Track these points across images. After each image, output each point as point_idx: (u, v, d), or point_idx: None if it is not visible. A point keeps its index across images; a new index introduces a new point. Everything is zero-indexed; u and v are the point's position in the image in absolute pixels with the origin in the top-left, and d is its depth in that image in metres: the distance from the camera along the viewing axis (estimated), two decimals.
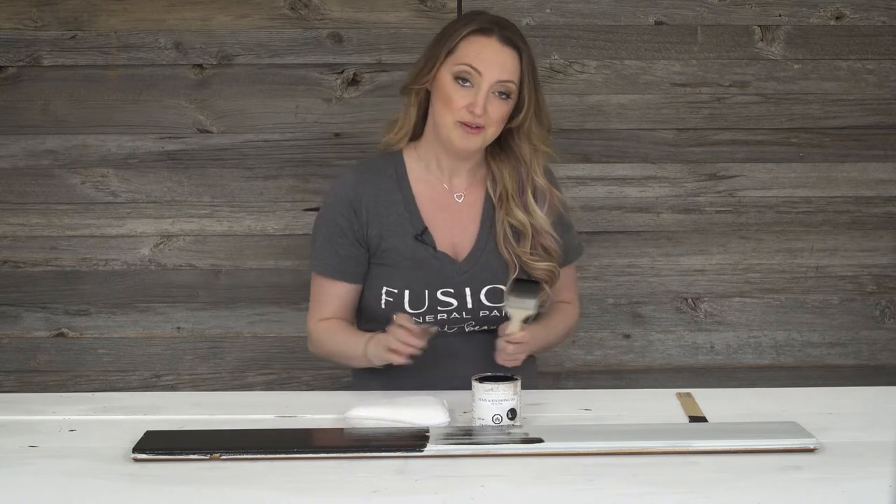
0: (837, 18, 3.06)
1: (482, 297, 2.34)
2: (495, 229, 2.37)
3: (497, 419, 1.97)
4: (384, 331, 2.25)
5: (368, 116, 3.05)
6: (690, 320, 3.14)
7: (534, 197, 2.37)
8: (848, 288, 3.14)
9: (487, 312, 2.35)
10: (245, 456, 1.87)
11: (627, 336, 3.14)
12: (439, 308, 2.33)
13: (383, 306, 2.35)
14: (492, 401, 1.97)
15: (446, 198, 2.40)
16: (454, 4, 3.02)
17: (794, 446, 1.89)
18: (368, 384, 2.40)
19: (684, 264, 3.13)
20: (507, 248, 2.35)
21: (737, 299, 3.14)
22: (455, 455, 1.87)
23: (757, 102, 3.08)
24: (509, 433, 1.93)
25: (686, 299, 3.13)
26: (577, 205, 3.09)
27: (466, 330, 2.36)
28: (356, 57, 3.04)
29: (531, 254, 2.35)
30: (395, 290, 2.33)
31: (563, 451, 1.88)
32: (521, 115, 2.32)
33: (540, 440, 1.90)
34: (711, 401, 2.17)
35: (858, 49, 3.07)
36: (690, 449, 1.88)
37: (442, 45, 2.31)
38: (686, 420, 2.07)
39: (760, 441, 1.90)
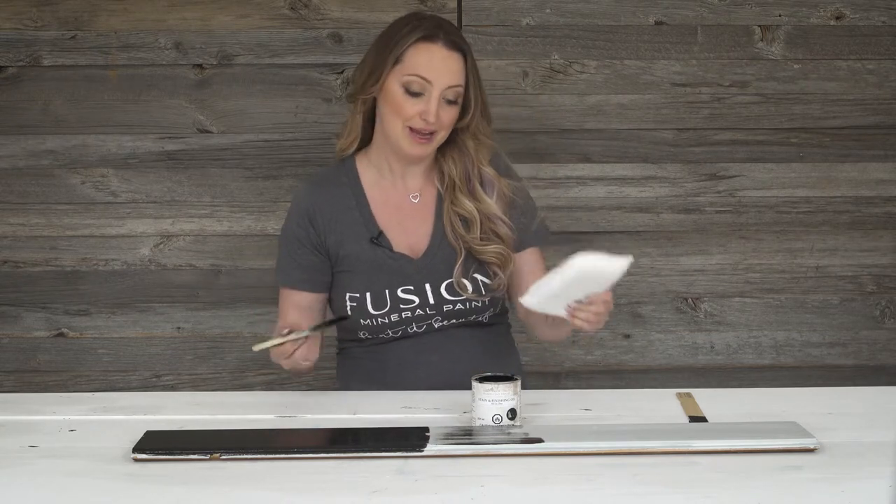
0: (837, 18, 3.06)
1: (442, 291, 2.35)
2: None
3: (497, 419, 1.97)
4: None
5: None
6: (690, 320, 3.14)
7: (482, 187, 2.37)
8: (848, 288, 3.14)
9: (451, 306, 2.36)
10: (245, 456, 1.87)
11: (627, 336, 3.14)
12: (402, 306, 2.34)
13: (349, 312, 2.36)
14: (492, 401, 1.97)
15: (401, 199, 2.41)
16: (454, 4, 3.02)
17: (794, 446, 1.89)
18: (352, 385, 2.42)
19: (684, 264, 3.13)
20: (454, 237, 2.36)
21: (737, 299, 3.14)
22: (455, 455, 1.87)
23: (757, 102, 3.08)
24: (509, 433, 1.94)
25: (686, 299, 3.13)
26: (576, 204, 3.09)
27: (436, 326, 2.37)
28: (356, 57, 3.03)
29: (480, 239, 2.35)
30: (357, 294, 2.35)
31: (563, 451, 1.88)
32: (469, 116, 2.34)
33: (540, 440, 1.90)
34: (711, 401, 2.17)
35: (858, 49, 3.07)
36: (690, 449, 1.88)
37: (387, 54, 2.31)
38: (686, 420, 2.07)
39: (760, 441, 1.90)
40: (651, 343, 3.14)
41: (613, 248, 3.09)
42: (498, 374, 2.03)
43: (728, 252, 3.12)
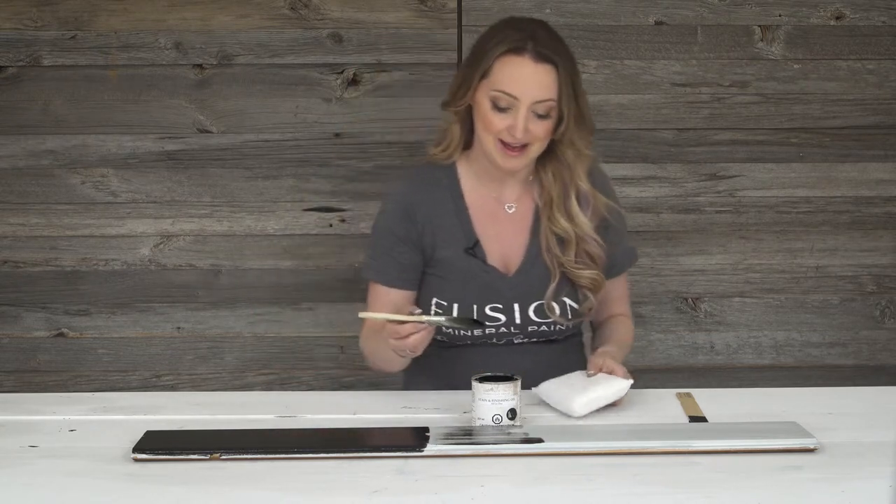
0: (837, 18, 3.06)
1: (530, 312, 2.32)
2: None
3: (497, 419, 1.97)
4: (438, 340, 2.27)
5: (368, 116, 3.05)
6: (690, 320, 3.14)
7: (577, 201, 2.33)
8: (848, 288, 3.14)
9: (535, 327, 2.33)
10: (245, 456, 1.87)
11: None
12: (487, 322, 2.31)
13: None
14: (492, 401, 1.97)
15: (497, 209, 2.37)
16: (454, 4, 3.02)
17: (794, 446, 1.89)
18: (418, 382, 2.39)
19: (684, 264, 3.13)
20: (549, 257, 2.32)
21: (737, 299, 3.14)
22: (455, 455, 1.87)
23: (757, 102, 3.08)
24: (509, 433, 1.94)
25: (686, 299, 3.13)
26: None
27: (515, 342, 2.35)
28: (356, 57, 3.05)
29: (576, 262, 2.32)
30: (445, 303, 2.32)
31: (563, 451, 1.88)
32: (563, 128, 2.27)
33: (540, 440, 1.90)
34: (711, 401, 2.17)
35: (858, 49, 3.07)
36: (690, 449, 1.88)
37: (476, 66, 2.25)
38: (686, 420, 2.07)
39: (760, 441, 1.90)
40: (651, 343, 3.14)
41: None
42: (498, 374, 2.03)
43: (728, 252, 3.12)
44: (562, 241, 2.33)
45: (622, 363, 2.26)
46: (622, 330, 2.43)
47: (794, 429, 1.95)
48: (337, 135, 3.06)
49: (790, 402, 2.18)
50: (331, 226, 3.07)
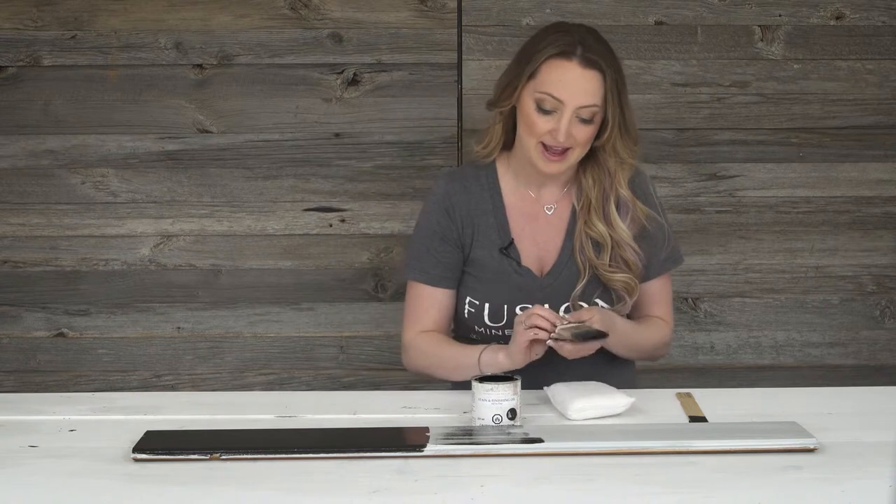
0: (837, 18, 3.06)
1: (561, 313, 2.30)
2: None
3: (497, 419, 1.97)
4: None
5: (368, 116, 3.05)
6: (690, 320, 3.14)
7: (617, 208, 2.34)
8: (848, 288, 3.14)
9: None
10: (245, 456, 1.87)
11: None
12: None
13: (465, 315, 2.36)
14: (492, 401, 1.98)
15: (536, 209, 2.39)
16: (454, 4, 3.02)
17: (794, 446, 1.89)
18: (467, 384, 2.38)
19: (684, 264, 3.12)
20: (581, 258, 2.33)
21: (737, 299, 3.14)
22: (455, 455, 1.87)
23: (757, 102, 3.08)
24: (509, 433, 1.94)
25: (686, 299, 3.13)
26: None
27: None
28: (356, 57, 3.05)
29: (609, 265, 2.32)
30: (477, 302, 2.34)
31: (563, 451, 1.88)
32: (606, 135, 2.29)
33: (540, 440, 1.90)
34: (711, 401, 2.17)
35: (858, 49, 3.07)
36: (690, 449, 1.88)
37: (523, 67, 2.28)
38: (686, 420, 2.07)
39: (760, 441, 1.90)
40: None
41: None
42: (498, 374, 2.03)
43: (728, 252, 3.12)
44: (597, 245, 2.34)
45: (623, 347, 2.30)
46: (647, 329, 2.41)
47: (794, 429, 1.96)
48: (337, 135, 3.06)
49: (790, 402, 2.18)
50: (331, 226, 3.07)
